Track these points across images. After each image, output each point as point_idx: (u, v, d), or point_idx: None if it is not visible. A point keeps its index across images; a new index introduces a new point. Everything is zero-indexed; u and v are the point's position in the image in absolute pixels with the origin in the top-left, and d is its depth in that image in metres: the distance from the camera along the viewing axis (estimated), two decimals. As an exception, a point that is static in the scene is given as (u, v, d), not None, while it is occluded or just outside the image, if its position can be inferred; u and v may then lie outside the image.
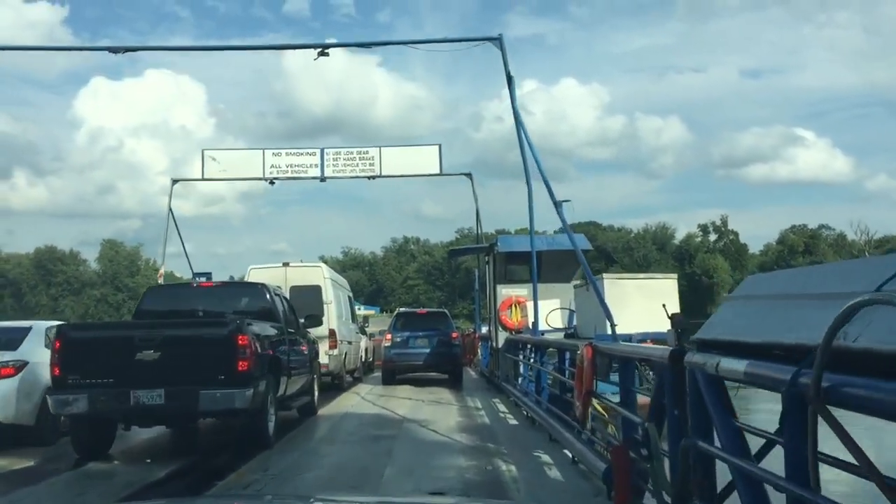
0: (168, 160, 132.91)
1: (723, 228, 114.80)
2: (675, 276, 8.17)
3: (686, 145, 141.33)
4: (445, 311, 21.27)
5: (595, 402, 7.27)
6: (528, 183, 11.90)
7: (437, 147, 22.24)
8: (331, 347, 17.40)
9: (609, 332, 7.83)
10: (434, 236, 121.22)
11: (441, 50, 13.41)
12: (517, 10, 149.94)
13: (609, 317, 6.77)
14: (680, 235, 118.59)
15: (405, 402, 14.89)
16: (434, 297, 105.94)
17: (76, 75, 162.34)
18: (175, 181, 22.91)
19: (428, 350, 19.00)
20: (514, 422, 11.89)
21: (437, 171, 22.39)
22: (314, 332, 17.29)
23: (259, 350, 9.23)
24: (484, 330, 27.33)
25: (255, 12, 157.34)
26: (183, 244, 24.13)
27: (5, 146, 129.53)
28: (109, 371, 8.67)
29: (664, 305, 7.65)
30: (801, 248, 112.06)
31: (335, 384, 17.99)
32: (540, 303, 14.21)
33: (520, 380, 14.38)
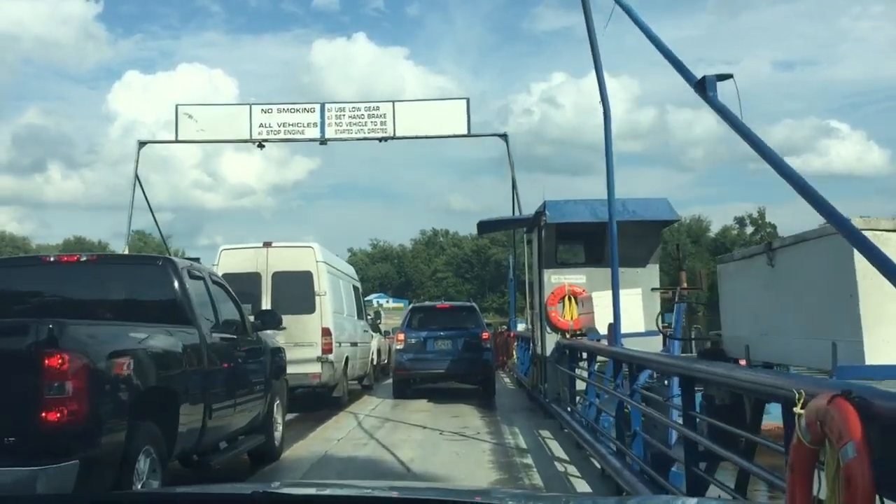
0: (201, 154, 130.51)
1: (760, 221, 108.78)
2: None
3: (718, 138, 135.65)
4: (473, 304, 16.49)
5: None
6: (600, 89, 7.16)
7: (464, 101, 17.47)
8: (325, 351, 12.82)
9: (868, 357, 3.21)
10: (463, 229, 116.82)
11: None
12: (546, 3, 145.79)
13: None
14: (713, 229, 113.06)
15: (416, 432, 10.25)
16: (463, 289, 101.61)
17: (109, 70, 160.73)
18: (142, 143, 18.36)
19: (451, 355, 14.32)
20: (582, 483, 7.20)
21: (465, 132, 17.63)
22: (301, 330, 12.92)
23: (112, 379, 4.65)
24: (520, 327, 22.62)
25: (285, 7, 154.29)
26: (154, 217, 19.94)
27: (41, 139, 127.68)
28: None
29: None
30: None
31: (333, 399, 13.46)
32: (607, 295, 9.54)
33: (578, 401, 9.76)
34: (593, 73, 6.92)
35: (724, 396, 4.98)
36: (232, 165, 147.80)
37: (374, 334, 19.31)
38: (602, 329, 9.25)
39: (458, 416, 11.84)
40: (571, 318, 11.20)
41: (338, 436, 10.05)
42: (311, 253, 13.18)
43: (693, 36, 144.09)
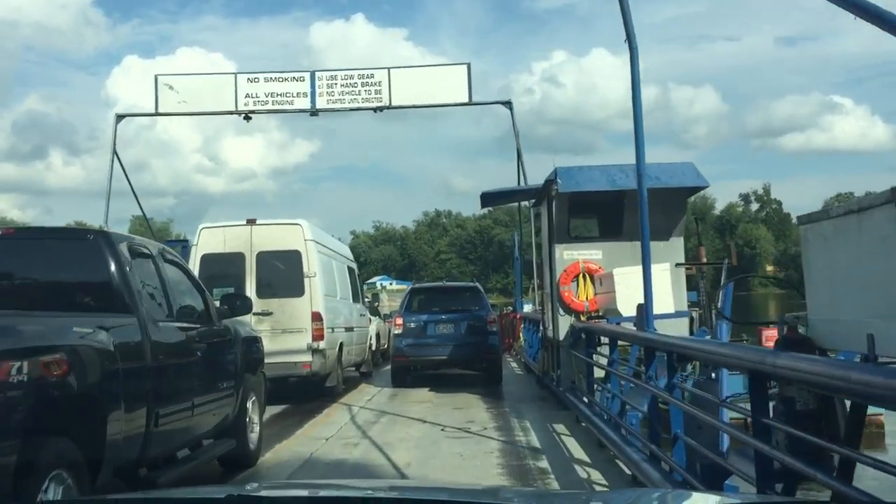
0: (201, 138, 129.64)
1: (765, 198, 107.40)
2: None
3: (720, 115, 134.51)
4: (477, 285, 15.22)
5: None
6: (626, 23, 5.92)
7: (464, 67, 16.10)
8: (315, 338, 11.63)
9: None
10: (466, 209, 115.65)
11: None
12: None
13: None
14: (718, 206, 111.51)
15: (415, 428, 9.08)
16: (467, 270, 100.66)
17: (108, 55, 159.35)
18: (120, 117, 17.05)
19: (454, 340, 13.11)
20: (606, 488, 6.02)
21: (466, 100, 16.31)
22: (289, 315, 11.74)
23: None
24: (527, 308, 21.44)
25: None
26: (135, 194, 18.61)
27: (42, 126, 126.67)
28: None
29: None
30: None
31: (327, 389, 12.31)
32: (635, 272, 8.34)
33: (597, 390, 8.61)
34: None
35: (808, 399, 3.79)
36: (233, 149, 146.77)
37: (372, 318, 18.16)
38: (626, 310, 8.05)
39: (462, 407, 10.66)
40: (587, 299, 10.00)
41: (327, 433, 8.87)
42: (298, 231, 11.95)
43: (695, 13, 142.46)
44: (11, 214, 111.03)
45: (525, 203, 18.84)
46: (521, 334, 19.74)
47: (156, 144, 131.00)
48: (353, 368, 15.51)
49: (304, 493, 2.44)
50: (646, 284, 6.11)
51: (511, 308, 23.13)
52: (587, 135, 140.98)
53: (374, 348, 17.52)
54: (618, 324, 8.52)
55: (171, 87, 16.22)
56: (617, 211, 10.01)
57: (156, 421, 5.04)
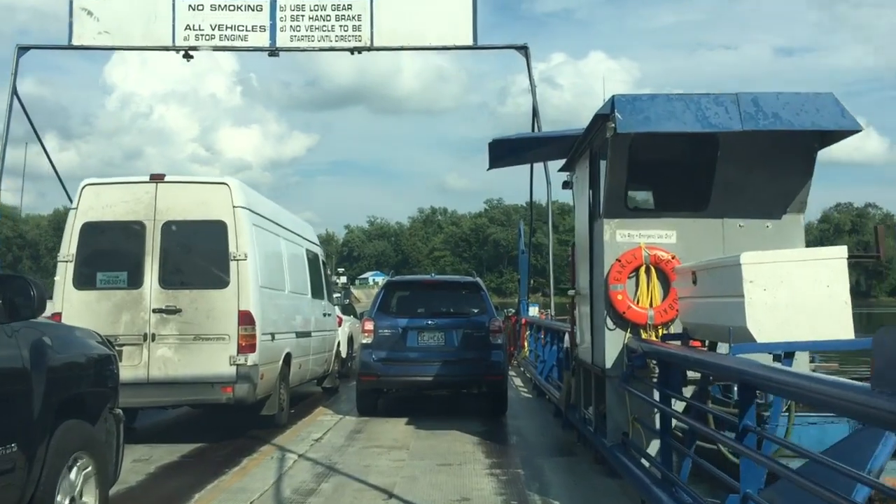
0: (199, 127, 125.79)
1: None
2: None
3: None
4: (477, 279, 11.24)
5: None
6: None
7: (469, 1, 12.23)
8: (242, 349, 7.84)
9: None
10: (461, 207, 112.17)
11: None
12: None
13: None
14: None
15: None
16: (461, 268, 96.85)
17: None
18: (23, 49, 13.15)
19: (444, 355, 9.31)
20: None
21: (469, 42, 12.48)
22: (205, 315, 8.00)
23: None
24: (533, 311, 17.68)
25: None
26: (44, 147, 14.80)
27: (37, 110, 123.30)
28: None
29: None
30: (847, 226, 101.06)
31: (262, 420, 8.59)
32: (786, 262, 4.70)
33: (674, 458, 4.89)
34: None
35: None
36: (229, 139, 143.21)
37: (346, 318, 14.43)
38: (766, 332, 4.28)
39: (452, 462, 6.89)
40: (651, 305, 6.21)
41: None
42: (224, 192, 8.14)
43: (693, 20, 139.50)
44: (5, 198, 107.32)
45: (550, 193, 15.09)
46: (525, 343, 16.00)
47: (152, 132, 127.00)
48: (316, 382, 11.79)
49: None
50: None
51: (513, 311, 19.28)
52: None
53: (343, 356, 13.79)
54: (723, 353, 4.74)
55: (89, 13, 12.33)
56: (705, 168, 6.24)
57: None
